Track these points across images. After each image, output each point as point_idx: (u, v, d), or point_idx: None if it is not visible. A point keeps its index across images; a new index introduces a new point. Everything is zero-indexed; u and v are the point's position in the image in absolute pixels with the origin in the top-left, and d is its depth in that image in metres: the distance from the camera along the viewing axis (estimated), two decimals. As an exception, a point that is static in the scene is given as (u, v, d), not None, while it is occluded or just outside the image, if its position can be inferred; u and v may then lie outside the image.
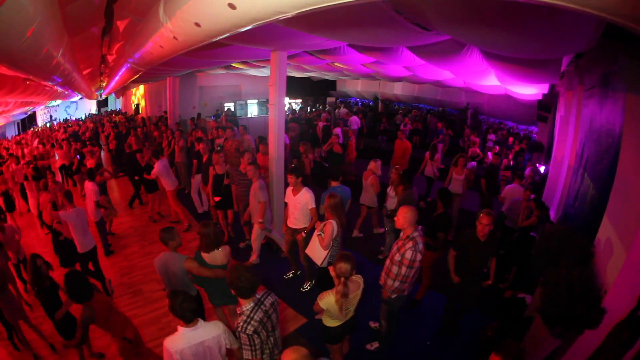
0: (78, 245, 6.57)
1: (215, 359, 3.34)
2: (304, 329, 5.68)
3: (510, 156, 13.79)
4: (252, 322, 3.15)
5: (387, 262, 4.64)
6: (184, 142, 11.19)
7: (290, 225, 6.29)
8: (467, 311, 5.43)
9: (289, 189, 6.15)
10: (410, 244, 4.32)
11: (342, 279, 3.74)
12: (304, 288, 6.60)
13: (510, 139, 15.89)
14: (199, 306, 4.34)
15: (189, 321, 3.23)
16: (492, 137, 15.91)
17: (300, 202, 6.00)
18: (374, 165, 7.86)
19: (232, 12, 2.69)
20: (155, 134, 14.51)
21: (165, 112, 19.80)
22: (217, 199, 7.92)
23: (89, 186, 7.83)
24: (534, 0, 1.92)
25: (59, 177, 12.75)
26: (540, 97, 10.98)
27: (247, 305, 3.23)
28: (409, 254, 4.29)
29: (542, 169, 10.96)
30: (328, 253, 5.17)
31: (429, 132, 17.09)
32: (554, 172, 9.35)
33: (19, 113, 26.56)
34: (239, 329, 3.14)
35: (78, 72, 8.12)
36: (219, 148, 9.57)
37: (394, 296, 4.59)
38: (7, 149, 18.99)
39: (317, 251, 5.24)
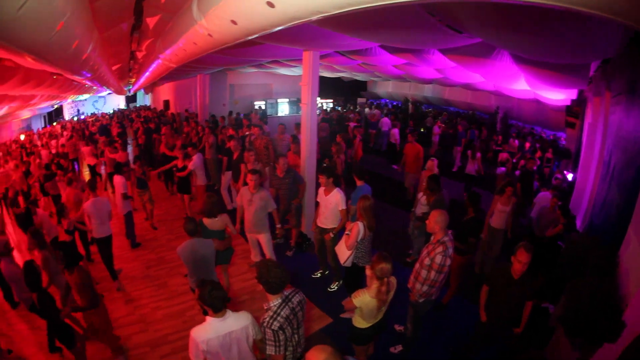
0: (94, 231, 6.82)
1: (243, 350, 3.36)
2: (329, 329, 5.71)
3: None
4: (279, 318, 3.17)
5: (417, 265, 4.64)
6: (214, 139, 11.36)
7: (319, 224, 6.33)
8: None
9: (321, 189, 6.19)
10: (440, 249, 4.31)
11: (385, 279, 3.79)
12: (331, 288, 6.62)
13: (527, 145, 15.72)
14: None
15: (217, 310, 3.24)
16: (515, 142, 15.66)
17: (331, 203, 6.04)
18: (431, 164, 8.21)
19: (270, 10, 2.72)
20: (186, 130, 14.70)
21: (187, 110, 20.05)
22: None
23: (117, 179, 8.03)
24: (560, 6, 1.90)
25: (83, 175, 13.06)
26: (568, 103, 10.81)
27: (274, 301, 3.25)
28: (438, 259, 4.28)
29: (569, 176, 10.78)
30: (352, 254, 5.20)
31: (458, 135, 16.95)
32: (581, 180, 9.18)
33: (45, 106, 27.11)
34: (265, 324, 3.17)
35: (108, 67, 8.27)
36: (249, 146, 9.68)
37: (421, 300, 4.59)
38: (30, 143, 19.44)
39: (342, 250, 5.27)
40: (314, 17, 2.64)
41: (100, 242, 6.91)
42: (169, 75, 13.29)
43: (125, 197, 7.96)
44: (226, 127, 13.34)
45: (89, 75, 6.89)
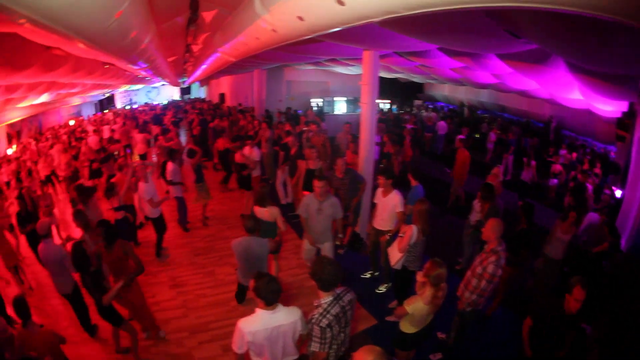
0: (149, 212, 7.57)
1: (288, 345, 3.39)
2: (373, 331, 5.68)
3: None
4: (328, 315, 3.19)
5: (468, 273, 4.59)
6: (270, 134, 11.52)
7: (375, 225, 6.29)
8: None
9: (379, 190, 6.12)
10: (493, 258, 4.24)
11: (442, 285, 3.78)
12: (379, 290, 6.57)
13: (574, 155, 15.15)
14: None
15: (270, 303, 3.26)
16: (563, 152, 15.11)
17: (389, 204, 5.97)
18: (497, 171, 8.13)
19: (339, 8, 2.73)
20: (242, 123, 14.97)
21: (240, 104, 20.33)
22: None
23: (169, 166, 8.30)
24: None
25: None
26: (620, 115, 10.36)
27: (325, 299, 3.27)
28: (490, 268, 4.21)
29: (618, 192, 10.34)
30: (402, 257, 5.15)
31: (509, 142, 16.49)
32: (629, 198, 8.71)
33: (97, 94, 28.04)
34: (313, 321, 3.20)
35: (163, 59, 8.48)
36: (307, 142, 9.81)
37: (469, 309, 4.52)
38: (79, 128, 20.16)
39: (394, 252, 5.25)
40: (385, 18, 2.63)
41: (154, 221, 7.49)
42: (226, 69, 13.54)
43: (172, 183, 8.26)
44: (283, 122, 13.48)
45: (144, 65, 7.10)
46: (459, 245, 7.46)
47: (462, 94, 23.93)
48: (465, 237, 7.17)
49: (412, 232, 4.98)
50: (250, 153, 9.18)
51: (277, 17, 3.70)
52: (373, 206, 6.44)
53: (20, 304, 4.22)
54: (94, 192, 7.23)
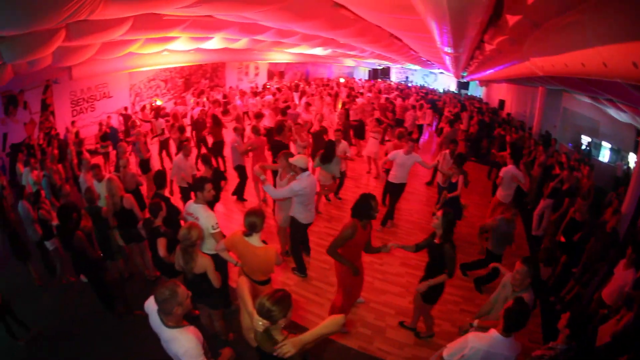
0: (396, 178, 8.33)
1: None
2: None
3: None
4: None
5: None
6: (544, 158, 11.14)
7: None
8: None
9: None
10: None
11: None
12: None
13: None
14: None
15: (508, 330, 3.38)
16: None
17: None
18: None
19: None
20: (515, 136, 14.63)
21: (508, 115, 19.52)
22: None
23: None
24: None
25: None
26: None
27: None
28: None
29: None
30: None
31: None
32: None
33: (372, 62, 29.77)
34: None
35: (469, 50, 8.48)
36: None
37: None
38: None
39: None
40: None
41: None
42: (514, 79, 13.10)
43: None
44: (559, 151, 12.81)
45: (450, 51, 7.20)
46: None
47: None
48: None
49: None
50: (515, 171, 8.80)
51: (611, 54, 3.47)
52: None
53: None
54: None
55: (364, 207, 4.79)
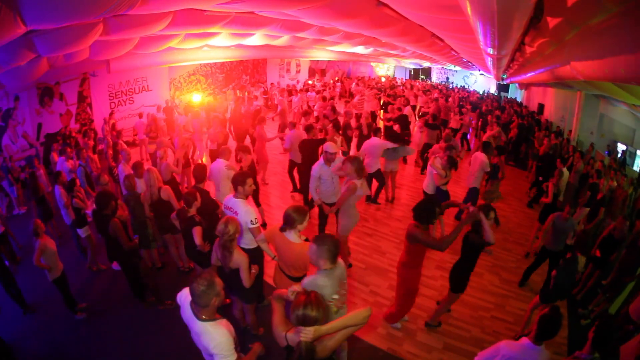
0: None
1: None
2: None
3: None
4: None
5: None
6: (580, 165, 11.18)
7: None
8: None
9: None
10: None
11: None
12: None
13: None
14: None
15: (539, 339, 3.46)
16: None
17: None
18: None
19: None
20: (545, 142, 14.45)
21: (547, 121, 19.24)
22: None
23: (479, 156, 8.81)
24: None
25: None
26: None
27: None
28: None
29: None
30: None
31: None
32: None
33: (413, 61, 29.55)
34: None
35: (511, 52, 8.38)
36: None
37: None
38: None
39: None
40: None
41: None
42: (555, 82, 12.88)
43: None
44: (594, 159, 12.68)
45: (492, 53, 7.14)
46: None
47: None
48: None
49: None
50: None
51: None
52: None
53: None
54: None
55: (426, 212, 4.92)
